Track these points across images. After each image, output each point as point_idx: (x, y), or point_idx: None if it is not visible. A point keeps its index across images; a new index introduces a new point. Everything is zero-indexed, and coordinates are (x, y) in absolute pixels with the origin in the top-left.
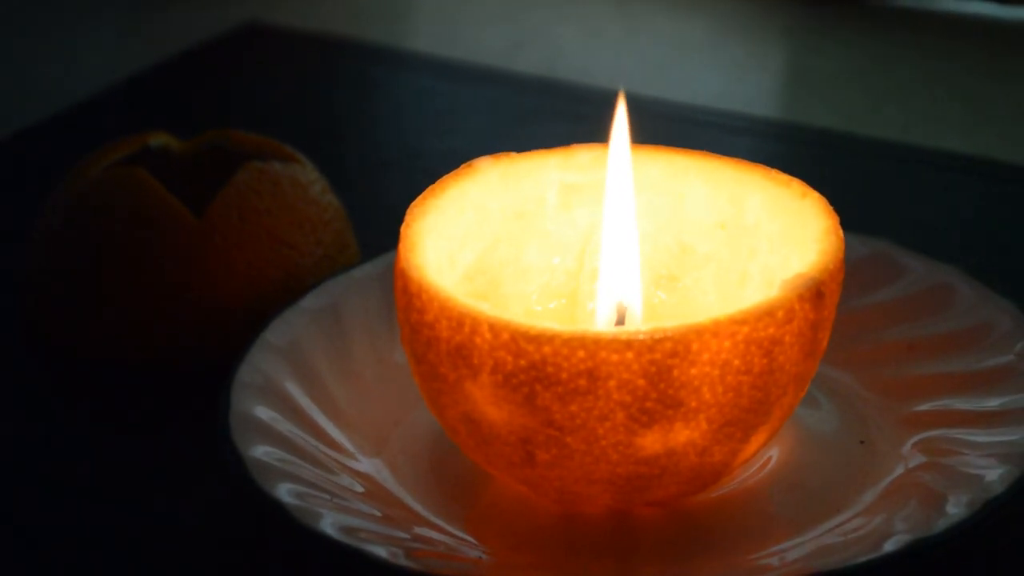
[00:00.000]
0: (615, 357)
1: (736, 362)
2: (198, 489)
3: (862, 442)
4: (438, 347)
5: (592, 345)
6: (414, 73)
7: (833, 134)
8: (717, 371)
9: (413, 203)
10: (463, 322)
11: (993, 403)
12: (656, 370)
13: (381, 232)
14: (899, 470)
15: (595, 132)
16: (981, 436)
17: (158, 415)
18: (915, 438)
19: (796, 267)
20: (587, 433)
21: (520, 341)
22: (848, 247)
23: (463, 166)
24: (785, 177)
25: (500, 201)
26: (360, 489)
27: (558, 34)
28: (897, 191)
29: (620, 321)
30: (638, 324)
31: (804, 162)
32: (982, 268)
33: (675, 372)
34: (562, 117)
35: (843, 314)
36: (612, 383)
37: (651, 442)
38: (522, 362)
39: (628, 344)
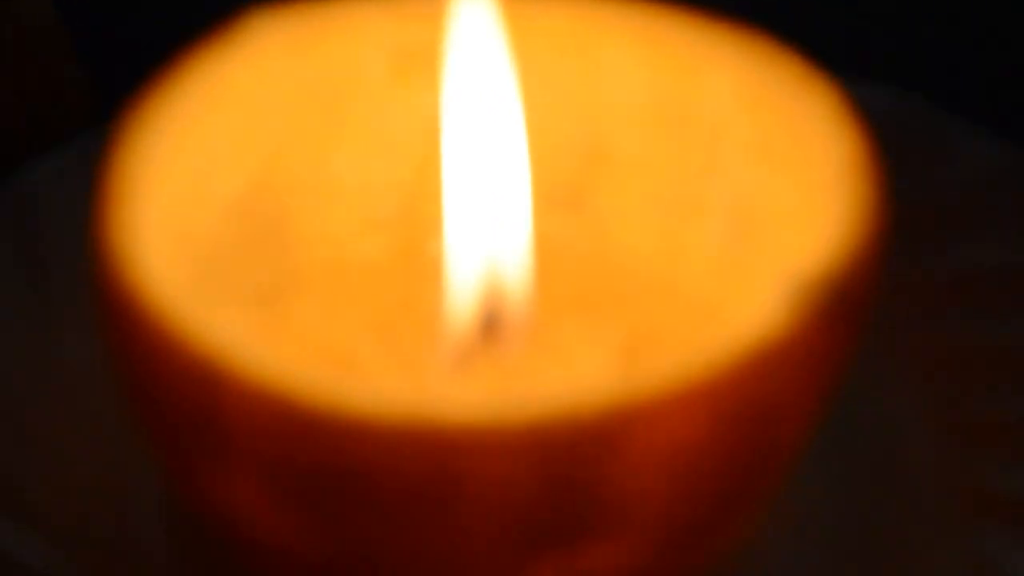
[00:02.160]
0: (490, 465)
1: (699, 446)
2: None
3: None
4: (163, 402)
5: (443, 450)
6: None
7: None
8: (666, 465)
9: (132, 101)
10: (199, 380)
11: None
12: (564, 477)
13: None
14: None
15: None
16: None
17: None
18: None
19: (795, 220)
20: (438, 559)
21: (297, 435)
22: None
23: (222, 27)
24: (771, 41)
25: (287, 82)
26: None
27: None
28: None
29: (490, 312)
30: (519, 319)
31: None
32: None
33: (596, 474)
34: None
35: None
36: (485, 495)
37: (552, 571)
38: (305, 462)
39: (511, 447)
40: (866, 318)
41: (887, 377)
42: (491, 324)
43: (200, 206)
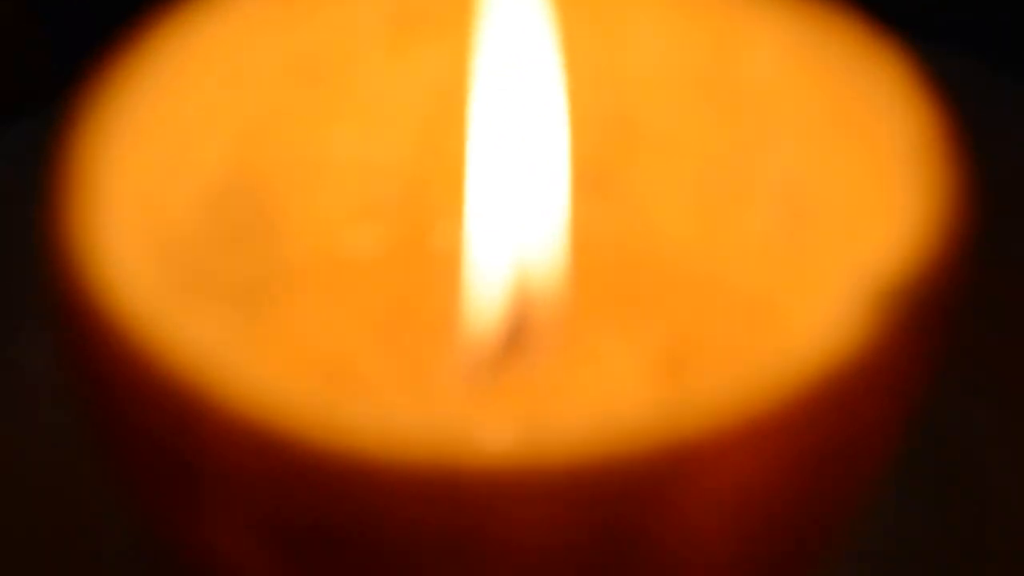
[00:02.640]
0: (522, 513)
1: (766, 485)
2: None
3: None
4: (130, 428)
5: (467, 495)
6: None
7: None
8: (728, 507)
9: (94, 69)
10: (171, 403)
11: None
12: (609, 526)
13: None
14: None
15: None
16: None
17: None
18: None
19: (860, 206)
20: None
21: (289, 473)
22: None
23: None
24: (828, 10)
25: (273, 48)
26: None
27: None
28: None
29: (516, 315)
30: (550, 324)
31: None
32: None
33: (646, 522)
34: None
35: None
36: (515, 549)
37: None
38: (300, 506)
39: (547, 492)
40: (952, 323)
41: (969, 385)
42: (518, 330)
43: (172, 191)
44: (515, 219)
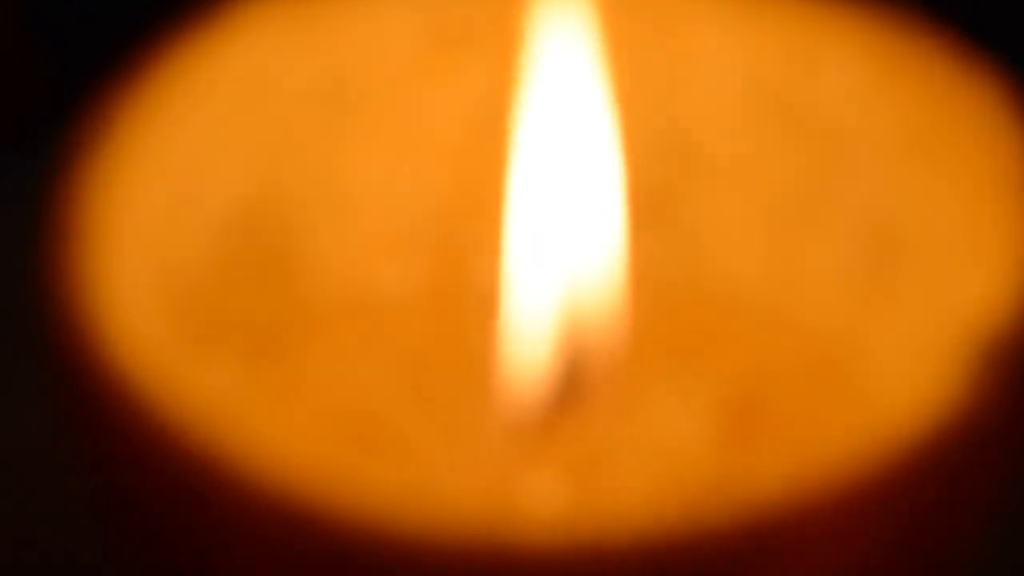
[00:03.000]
0: None
1: (855, 561)
2: None
3: None
4: (134, 494)
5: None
6: None
7: None
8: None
9: (98, 96)
10: (180, 470)
11: None
12: None
13: None
14: None
15: None
16: None
17: None
18: None
19: (949, 242)
20: None
21: (316, 551)
22: None
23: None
24: (908, 17)
25: (292, 70)
26: None
27: None
28: None
29: (568, 363)
30: (605, 373)
31: None
32: None
33: None
34: None
35: None
36: None
37: None
38: None
39: (607, 572)
40: None
41: None
42: (567, 382)
43: (185, 229)
44: (562, 255)
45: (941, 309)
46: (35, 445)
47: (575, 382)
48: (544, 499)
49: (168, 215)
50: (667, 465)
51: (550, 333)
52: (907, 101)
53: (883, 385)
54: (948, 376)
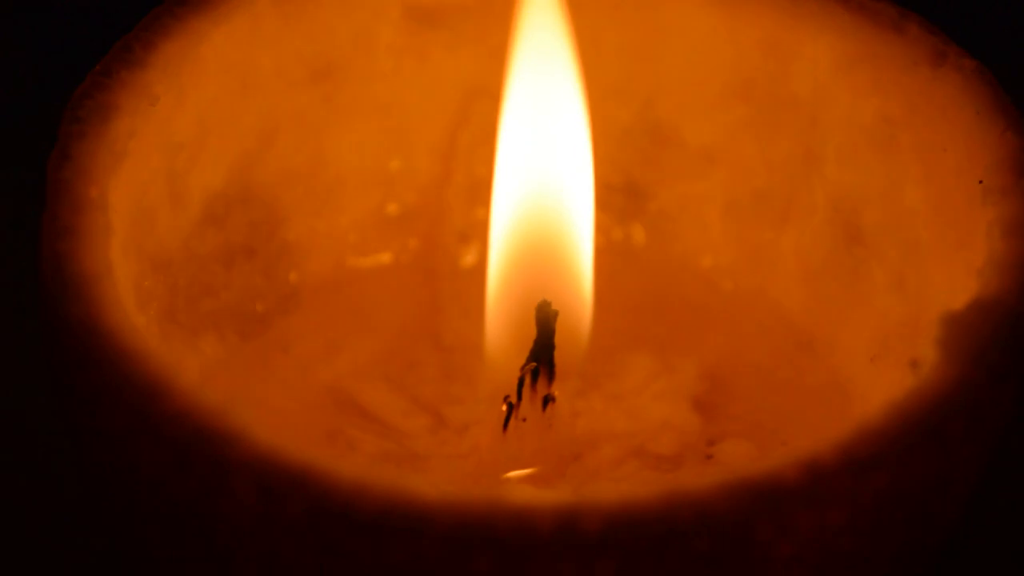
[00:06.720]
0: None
1: (845, 532)
2: None
3: None
4: (124, 471)
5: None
6: None
7: None
8: (809, 558)
9: (87, 79)
10: (195, 464)
11: None
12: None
13: None
14: None
15: None
16: None
17: None
18: None
19: (928, 230)
20: None
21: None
22: None
23: None
24: (887, 6)
25: (276, 51)
26: None
27: None
28: None
29: (545, 341)
30: (578, 353)
31: None
32: None
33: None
34: None
35: None
36: None
37: None
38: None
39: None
40: None
41: None
42: (544, 358)
43: (171, 210)
44: (540, 238)
45: (914, 296)
46: (34, 438)
47: (551, 357)
48: (524, 476)
49: (156, 197)
50: (642, 444)
51: (527, 310)
52: (879, 91)
53: (852, 370)
54: (916, 361)
